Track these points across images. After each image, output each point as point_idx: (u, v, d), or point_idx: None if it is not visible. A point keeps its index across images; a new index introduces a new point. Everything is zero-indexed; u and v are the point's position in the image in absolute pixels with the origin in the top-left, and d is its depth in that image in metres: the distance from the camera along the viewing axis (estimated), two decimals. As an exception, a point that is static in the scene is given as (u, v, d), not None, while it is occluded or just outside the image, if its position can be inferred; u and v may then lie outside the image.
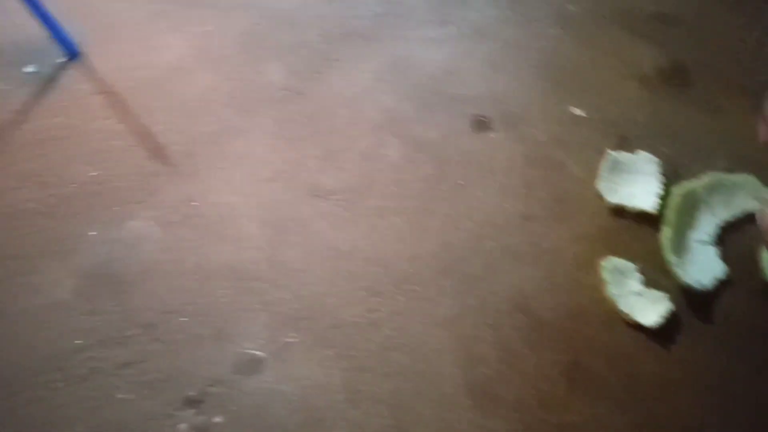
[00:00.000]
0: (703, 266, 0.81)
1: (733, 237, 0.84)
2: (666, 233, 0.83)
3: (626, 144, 0.91)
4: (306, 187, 0.86)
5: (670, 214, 0.84)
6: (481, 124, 0.92)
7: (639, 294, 0.80)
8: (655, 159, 0.89)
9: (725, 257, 0.82)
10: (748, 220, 0.84)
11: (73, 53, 0.92)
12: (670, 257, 0.81)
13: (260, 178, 0.87)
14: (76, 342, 0.75)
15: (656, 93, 0.95)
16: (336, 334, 0.77)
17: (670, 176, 0.89)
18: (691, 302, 0.79)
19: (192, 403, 0.70)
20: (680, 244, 0.83)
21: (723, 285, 0.80)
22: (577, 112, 0.93)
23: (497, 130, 0.92)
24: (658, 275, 0.82)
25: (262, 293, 0.79)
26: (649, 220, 0.85)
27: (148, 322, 0.77)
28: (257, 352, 0.75)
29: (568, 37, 1.00)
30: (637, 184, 0.87)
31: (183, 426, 0.68)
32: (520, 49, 0.99)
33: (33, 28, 0.96)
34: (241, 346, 0.76)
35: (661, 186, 0.87)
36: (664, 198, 0.86)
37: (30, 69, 0.92)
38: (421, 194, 0.87)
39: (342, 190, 0.87)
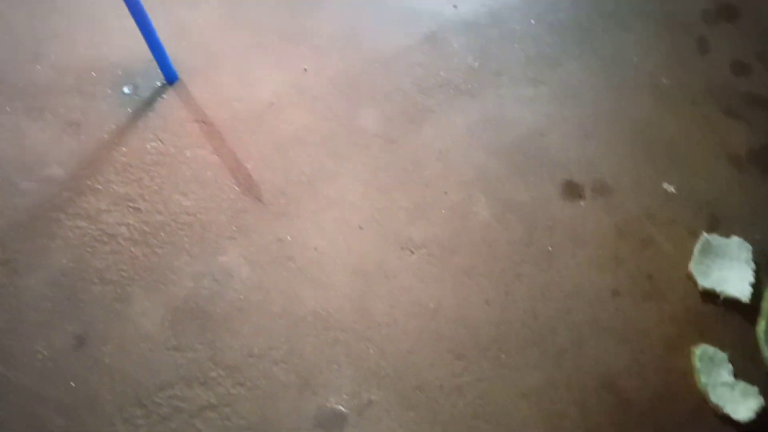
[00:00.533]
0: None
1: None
2: (762, 326, 0.81)
3: (717, 226, 0.90)
4: (395, 237, 0.86)
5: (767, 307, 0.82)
6: (572, 190, 0.91)
7: (730, 386, 0.78)
8: (747, 245, 0.87)
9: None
10: None
11: (172, 78, 0.92)
12: (766, 351, 0.79)
13: (350, 225, 0.86)
14: (161, 378, 0.74)
15: (748, 175, 0.94)
16: (420, 397, 0.75)
17: (762, 264, 0.87)
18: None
19: (279, 456, 0.69)
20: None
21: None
22: (669, 188, 0.92)
23: (588, 198, 0.91)
24: (749, 367, 0.80)
25: (348, 345, 0.78)
26: (740, 308, 0.84)
27: (233, 364, 0.76)
28: (341, 408, 0.74)
29: (660, 109, 1.00)
30: (730, 270, 0.86)
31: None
32: (612, 117, 0.98)
33: (135, 50, 0.97)
34: (326, 400, 0.74)
35: (754, 274, 0.85)
36: (757, 287, 0.84)
37: (129, 90, 0.93)
38: (509, 257, 0.86)
39: (430, 244, 0.86)
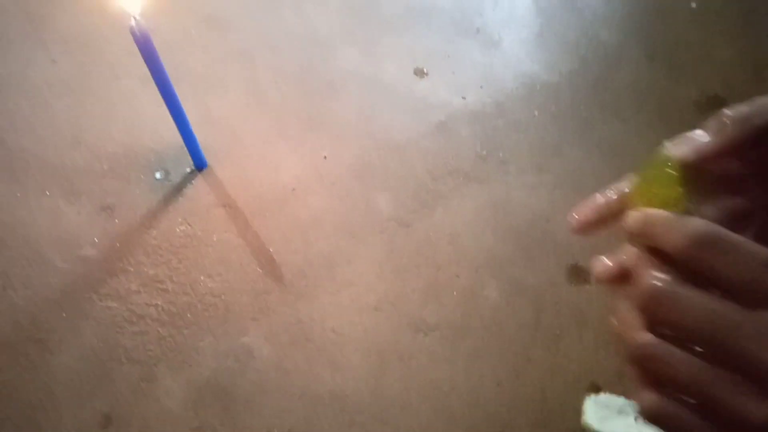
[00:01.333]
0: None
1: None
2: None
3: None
4: (409, 319, 0.90)
5: None
6: (578, 274, 0.96)
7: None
8: None
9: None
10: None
11: (201, 165, 0.99)
12: None
13: (366, 306, 0.90)
14: (184, 458, 0.77)
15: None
16: (434, 479, 0.78)
17: None
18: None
19: None
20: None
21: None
22: (669, 272, 0.97)
23: (592, 282, 0.96)
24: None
25: (364, 426, 0.81)
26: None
27: (254, 445, 0.78)
28: (358, 490, 0.76)
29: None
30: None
31: None
32: (613, 203, 1.04)
33: (167, 137, 1.04)
34: (343, 482, 0.77)
35: None
36: None
37: (160, 176, 0.99)
38: (519, 339, 0.90)
39: (443, 326, 0.90)
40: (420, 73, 1.21)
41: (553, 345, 0.89)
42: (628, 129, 1.15)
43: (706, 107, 1.19)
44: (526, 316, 0.92)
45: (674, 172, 0.28)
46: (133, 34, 0.77)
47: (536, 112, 1.17)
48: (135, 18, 0.76)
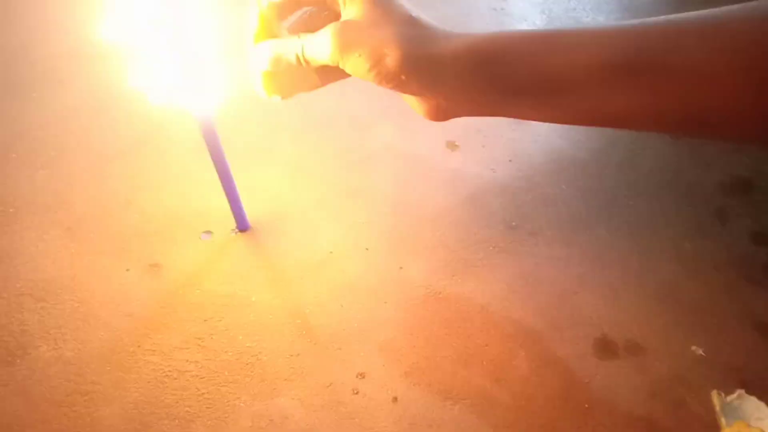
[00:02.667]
0: None
1: None
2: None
3: (747, 391, 0.94)
4: (438, 387, 0.92)
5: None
6: (605, 349, 0.97)
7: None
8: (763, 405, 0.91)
9: None
10: None
11: (244, 227, 1.05)
12: None
13: (399, 372, 0.93)
14: None
15: (774, 341, 0.99)
16: None
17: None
18: None
19: None
20: None
21: None
22: (698, 351, 0.98)
23: (620, 357, 0.97)
24: None
25: (393, 494, 0.81)
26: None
27: (284, 508, 0.79)
28: None
29: (684, 274, 1.08)
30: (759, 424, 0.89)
31: None
32: (639, 279, 1.07)
33: (213, 201, 1.11)
34: None
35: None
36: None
37: (205, 237, 1.05)
38: (548, 412, 0.90)
39: (472, 395, 0.91)
40: (452, 146, 1.28)
41: (581, 419, 0.90)
42: (654, 207, 1.19)
43: (732, 190, 1.23)
44: (555, 388, 0.93)
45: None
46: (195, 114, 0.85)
47: (564, 187, 1.22)
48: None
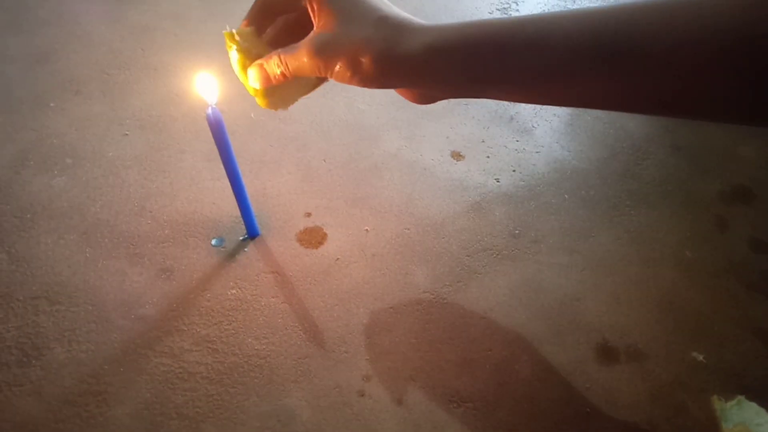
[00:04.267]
0: None
1: None
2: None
3: (747, 396, 0.95)
4: (443, 390, 0.94)
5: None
6: (607, 354, 0.99)
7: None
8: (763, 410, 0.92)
9: None
10: None
11: (254, 234, 1.07)
12: None
13: (402, 375, 0.95)
14: None
15: (774, 348, 1.01)
16: None
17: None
18: None
19: None
20: None
21: None
22: (699, 357, 0.99)
23: (621, 363, 0.98)
24: None
25: (397, 494, 0.83)
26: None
27: (291, 506, 0.81)
28: None
29: (685, 281, 1.10)
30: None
31: None
32: (641, 286, 1.08)
33: (223, 207, 1.14)
34: None
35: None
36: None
37: (216, 242, 1.08)
38: (550, 416, 0.92)
39: (476, 398, 0.93)
40: (457, 156, 1.31)
41: (583, 423, 0.91)
42: (655, 215, 1.21)
43: (732, 199, 1.25)
44: (557, 392, 0.94)
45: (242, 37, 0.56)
46: (208, 119, 0.88)
47: (567, 196, 1.24)
48: (212, 106, 0.87)
